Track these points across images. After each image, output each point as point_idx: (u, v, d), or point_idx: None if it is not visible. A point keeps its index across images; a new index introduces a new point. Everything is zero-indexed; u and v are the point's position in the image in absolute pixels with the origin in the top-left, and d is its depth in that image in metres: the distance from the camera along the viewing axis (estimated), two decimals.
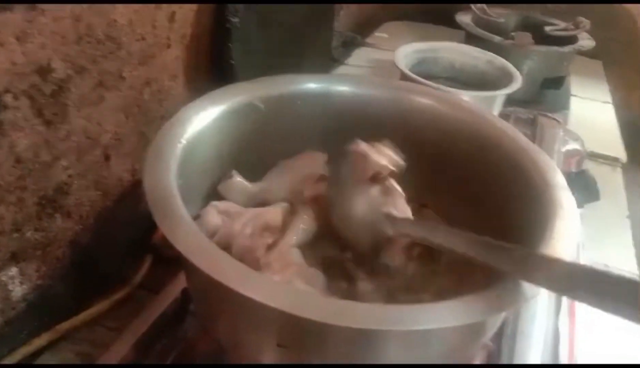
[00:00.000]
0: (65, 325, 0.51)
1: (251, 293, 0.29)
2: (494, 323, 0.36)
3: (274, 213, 0.43)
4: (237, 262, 0.31)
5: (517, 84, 0.66)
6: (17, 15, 0.41)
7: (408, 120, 0.48)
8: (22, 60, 0.42)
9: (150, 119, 0.60)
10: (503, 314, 0.34)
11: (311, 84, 0.49)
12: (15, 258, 0.47)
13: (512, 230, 0.39)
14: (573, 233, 0.35)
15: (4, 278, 0.47)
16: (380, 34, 1.27)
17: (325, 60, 0.99)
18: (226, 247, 0.40)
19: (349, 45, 1.17)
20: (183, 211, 0.34)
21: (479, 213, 0.44)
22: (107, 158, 0.55)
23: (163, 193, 0.34)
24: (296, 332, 0.31)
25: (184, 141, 0.40)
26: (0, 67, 0.40)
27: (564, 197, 0.39)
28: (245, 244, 0.40)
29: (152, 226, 0.61)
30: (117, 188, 0.58)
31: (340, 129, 0.46)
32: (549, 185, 0.40)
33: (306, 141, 0.48)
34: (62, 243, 0.52)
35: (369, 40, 1.22)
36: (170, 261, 0.58)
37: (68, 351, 0.50)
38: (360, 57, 1.14)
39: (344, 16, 1.20)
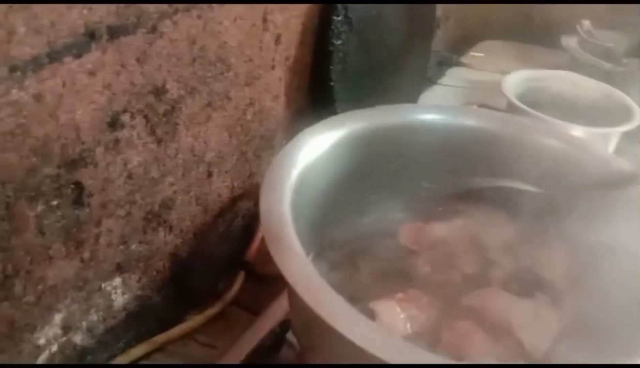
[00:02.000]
0: (161, 338, 0.52)
1: (351, 335, 0.28)
2: None
3: None
4: (343, 300, 0.30)
5: (636, 120, 0.62)
6: (138, 37, 0.42)
7: (535, 162, 0.45)
8: (140, 81, 0.43)
9: (251, 138, 0.60)
10: None
11: (431, 115, 0.47)
12: (119, 269, 0.49)
13: None
14: None
15: (108, 288, 0.49)
16: (476, 53, 1.23)
17: (420, 80, 0.97)
18: None
19: (444, 64, 1.14)
20: (295, 241, 0.33)
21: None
22: (209, 175, 0.56)
23: (277, 222, 0.34)
24: None
25: (299, 168, 0.39)
26: (120, 87, 0.42)
27: None
28: None
29: (246, 242, 0.63)
30: (216, 204, 0.59)
31: (457, 166, 0.44)
32: None
33: (421, 174, 0.47)
34: (162, 256, 0.53)
35: (463, 59, 1.19)
36: (263, 278, 0.58)
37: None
38: (454, 77, 1.11)
39: (441, 34, 1.17)
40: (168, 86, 0.46)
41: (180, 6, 0.45)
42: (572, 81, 0.72)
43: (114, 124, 0.43)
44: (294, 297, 0.31)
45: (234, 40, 0.52)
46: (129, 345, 0.51)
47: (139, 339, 0.52)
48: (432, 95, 1.03)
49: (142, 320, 0.53)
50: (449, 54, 1.15)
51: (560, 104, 0.71)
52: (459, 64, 1.17)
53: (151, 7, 0.42)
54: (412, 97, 0.93)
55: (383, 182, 0.48)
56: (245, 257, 0.60)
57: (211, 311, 0.55)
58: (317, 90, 0.67)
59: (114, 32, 0.40)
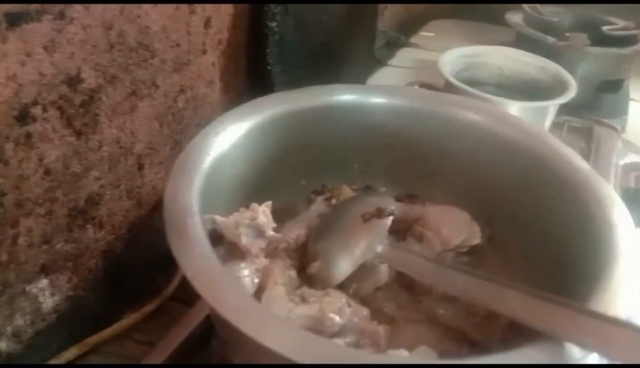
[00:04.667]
0: (94, 339, 0.50)
1: (251, 331, 0.27)
2: None
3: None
4: (244, 294, 0.29)
5: (571, 92, 0.62)
6: (44, 24, 0.39)
7: (454, 137, 0.45)
8: (50, 71, 0.41)
9: (185, 127, 0.58)
10: None
11: (345, 96, 0.47)
12: (45, 270, 0.46)
13: (563, 265, 0.35)
14: (632, 289, 0.31)
15: (34, 291, 0.46)
16: (426, 33, 1.22)
17: (368, 61, 0.96)
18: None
19: (393, 45, 1.13)
20: (199, 232, 0.32)
21: (530, 240, 0.41)
22: (140, 167, 0.54)
23: (181, 211, 0.33)
24: None
25: (213, 153, 0.38)
26: (27, 78, 0.39)
27: (627, 239, 0.34)
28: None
29: None
30: (151, 197, 0.57)
31: (376, 144, 0.43)
32: (611, 224, 0.35)
33: (340, 155, 0.46)
34: (94, 254, 0.51)
35: (413, 39, 1.18)
36: None
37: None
38: (404, 58, 1.10)
39: (389, 15, 1.16)
40: (84, 75, 0.44)
41: None
42: (510, 56, 0.71)
43: (23, 117, 0.40)
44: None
45: (156, 25, 0.50)
46: (62, 348, 0.49)
47: (74, 341, 0.50)
48: (381, 76, 1.02)
49: (75, 321, 0.50)
50: (397, 34, 1.14)
51: (499, 79, 0.71)
52: (409, 45, 1.16)
53: None
54: (359, 79, 0.92)
55: (309, 165, 0.47)
56: None
57: (148, 308, 0.54)
58: (254, 75, 0.65)
59: (14, 20, 0.37)
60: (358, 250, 0.40)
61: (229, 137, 0.40)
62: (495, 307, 0.32)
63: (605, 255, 0.33)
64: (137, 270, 0.56)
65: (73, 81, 0.43)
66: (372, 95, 0.47)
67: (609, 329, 0.27)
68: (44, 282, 0.47)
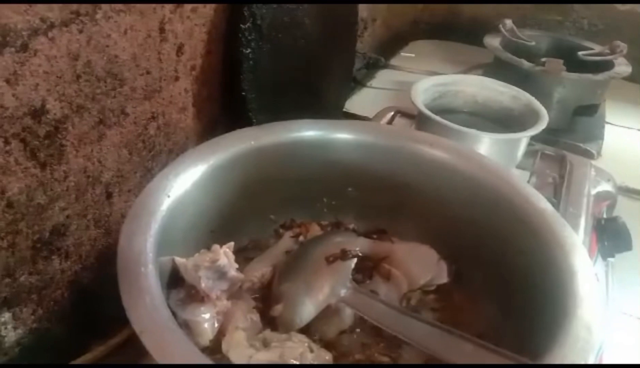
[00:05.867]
0: None
1: None
2: None
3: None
4: (195, 352, 0.29)
5: (543, 123, 0.62)
6: (6, 57, 0.39)
7: (420, 174, 0.45)
8: (12, 104, 0.40)
9: (157, 153, 0.58)
10: None
11: (311, 132, 0.46)
12: (7, 303, 0.45)
13: (526, 309, 0.35)
14: (590, 342, 0.30)
15: None
16: (406, 54, 1.23)
17: (347, 83, 0.96)
18: None
19: (373, 66, 1.13)
20: (152, 282, 0.31)
21: (495, 280, 0.40)
22: (109, 196, 0.53)
23: (134, 259, 0.32)
24: None
25: (172, 196, 0.37)
26: None
27: (587, 286, 0.34)
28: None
29: None
30: (120, 225, 0.55)
31: (344, 179, 0.43)
32: (572, 271, 0.35)
33: (308, 189, 0.45)
34: (60, 284, 0.50)
35: (394, 61, 1.18)
36: None
37: None
38: (383, 80, 1.10)
39: (369, 37, 1.16)
40: (48, 106, 0.43)
41: (56, 21, 0.41)
42: (484, 85, 0.72)
43: None
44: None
45: (126, 54, 0.49)
46: None
47: None
48: (360, 98, 1.02)
49: (40, 354, 0.49)
50: (377, 56, 1.14)
51: (473, 107, 0.71)
52: (389, 66, 1.17)
53: (19, 24, 0.39)
54: (338, 101, 0.92)
55: (277, 200, 0.46)
56: None
57: (116, 339, 0.52)
58: (229, 101, 0.65)
59: None
60: (321, 294, 0.39)
61: (190, 176, 0.40)
62: (451, 358, 0.32)
63: (565, 304, 0.32)
64: (105, 300, 0.54)
65: (37, 113, 0.42)
66: (337, 131, 0.47)
67: None
68: (6, 316, 0.46)
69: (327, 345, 0.39)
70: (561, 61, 0.87)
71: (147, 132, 0.55)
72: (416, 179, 0.46)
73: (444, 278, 0.44)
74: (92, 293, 0.53)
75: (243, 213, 0.45)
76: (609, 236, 0.57)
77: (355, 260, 0.40)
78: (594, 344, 0.30)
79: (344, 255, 0.40)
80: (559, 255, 0.36)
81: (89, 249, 0.52)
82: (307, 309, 0.39)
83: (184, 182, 0.39)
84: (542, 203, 0.40)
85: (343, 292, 0.39)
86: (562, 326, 0.31)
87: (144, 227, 0.34)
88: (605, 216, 0.63)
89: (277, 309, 0.38)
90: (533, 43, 0.99)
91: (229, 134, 0.45)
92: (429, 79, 0.69)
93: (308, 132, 0.46)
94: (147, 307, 0.29)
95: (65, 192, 0.47)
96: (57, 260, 0.49)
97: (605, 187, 0.67)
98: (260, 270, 0.41)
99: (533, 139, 0.67)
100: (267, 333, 0.37)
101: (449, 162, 0.45)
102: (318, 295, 0.39)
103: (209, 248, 0.37)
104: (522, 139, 0.61)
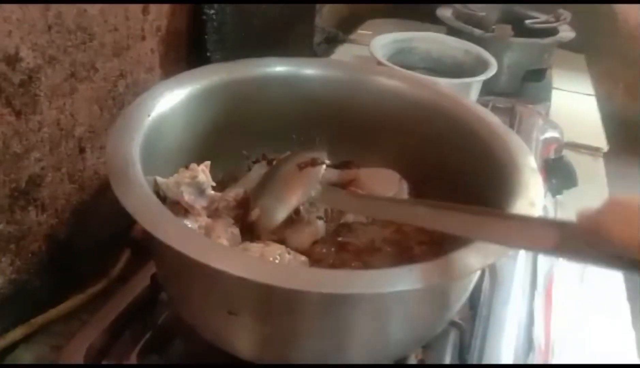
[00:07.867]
0: (40, 319, 0.50)
1: (194, 254, 0.29)
2: (459, 292, 0.36)
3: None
4: (187, 227, 0.31)
5: (492, 70, 0.66)
6: None
7: (382, 104, 0.48)
8: None
9: None
10: (468, 282, 0.35)
11: (279, 67, 0.49)
12: None
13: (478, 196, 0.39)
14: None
15: None
16: (363, 31, 1.27)
17: (307, 56, 0.99)
18: None
19: (332, 41, 1.17)
20: (140, 178, 0.33)
21: (453, 193, 0.44)
22: (82, 150, 0.54)
23: (123, 161, 0.34)
24: (245, 294, 0.31)
25: (153, 115, 0.39)
26: None
27: (532, 177, 0.38)
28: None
29: (131, 220, 0.61)
30: (94, 182, 0.57)
31: (312, 115, 0.46)
32: (518, 166, 0.39)
33: (278, 125, 0.48)
34: (37, 237, 0.51)
35: (352, 36, 1.22)
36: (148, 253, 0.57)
37: (43, 344, 0.49)
38: (343, 54, 1.14)
39: (327, 12, 1.20)
40: (22, 54, 0.44)
41: None
42: (438, 41, 0.76)
43: None
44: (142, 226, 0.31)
45: (94, 9, 0.51)
46: (7, 330, 0.49)
47: (18, 322, 0.50)
48: None
49: (19, 304, 0.50)
50: (336, 30, 1.17)
51: (428, 62, 0.75)
52: (347, 41, 1.20)
53: None
54: None
55: (249, 135, 0.49)
56: (131, 234, 0.59)
57: (94, 289, 0.54)
58: (194, 62, 0.66)
59: None
60: (294, 196, 0.42)
61: (168, 102, 0.42)
62: (428, 224, 0.35)
63: (511, 189, 0.37)
64: (82, 254, 0.56)
65: (11, 59, 0.44)
66: (305, 67, 0.50)
67: (526, 227, 0.31)
68: None
69: (302, 254, 0.42)
70: (509, 26, 0.92)
71: (116, 89, 0.57)
72: (379, 109, 0.49)
73: (405, 195, 0.48)
74: (68, 248, 0.55)
75: (217, 148, 0.47)
76: (556, 174, 0.62)
77: (324, 166, 0.43)
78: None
79: (313, 161, 0.44)
80: (507, 156, 0.40)
81: (64, 203, 0.54)
82: (282, 208, 0.42)
83: (162, 106, 0.41)
84: (491, 117, 0.44)
85: (314, 192, 0.42)
86: (515, 193, 0.35)
87: (129, 138, 0.36)
88: (553, 156, 0.68)
89: (255, 213, 0.41)
90: (483, 14, 1.03)
91: (204, 67, 0.47)
92: (387, 35, 0.73)
93: (278, 67, 0.49)
94: (138, 195, 0.32)
95: (40, 143, 0.49)
96: (33, 211, 0.50)
97: (553, 133, 0.72)
98: (234, 190, 0.44)
99: (485, 93, 0.71)
100: (247, 244, 0.40)
101: (407, 90, 0.48)
102: (291, 197, 0.42)
103: (185, 168, 0.40)
104: (473, 85, 0.66)
